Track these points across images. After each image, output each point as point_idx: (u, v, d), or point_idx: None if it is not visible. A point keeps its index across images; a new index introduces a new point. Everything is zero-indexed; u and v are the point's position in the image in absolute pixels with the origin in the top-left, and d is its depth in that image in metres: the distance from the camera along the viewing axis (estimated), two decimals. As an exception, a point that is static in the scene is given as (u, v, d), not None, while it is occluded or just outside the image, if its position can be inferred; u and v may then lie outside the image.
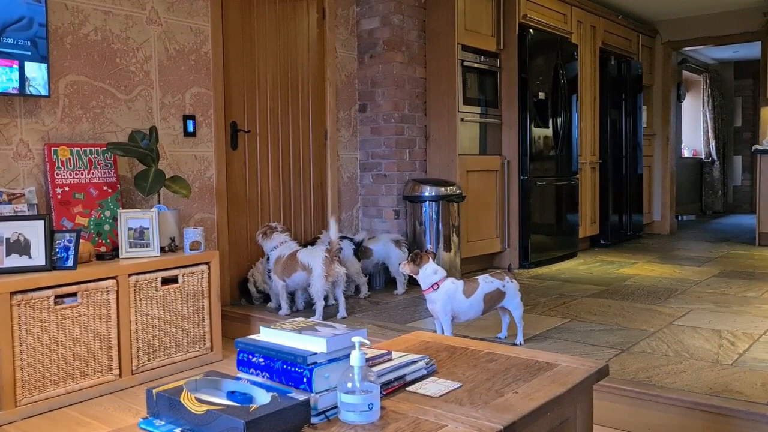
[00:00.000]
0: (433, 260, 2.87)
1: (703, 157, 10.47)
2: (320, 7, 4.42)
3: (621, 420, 2.34)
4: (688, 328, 3.22)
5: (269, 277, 3.65)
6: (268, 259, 3.64)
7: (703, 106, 10.27)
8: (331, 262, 3.39)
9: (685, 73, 9.72)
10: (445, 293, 2.81)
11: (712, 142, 10.35)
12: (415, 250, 2.92)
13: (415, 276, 2.86)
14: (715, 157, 10.44)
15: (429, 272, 2.81)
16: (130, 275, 2.81)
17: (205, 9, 3.66)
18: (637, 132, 6.97)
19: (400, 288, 4.14)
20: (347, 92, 4.62)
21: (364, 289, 4.03)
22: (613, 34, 6.62)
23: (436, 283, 2.81)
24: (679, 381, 2.44)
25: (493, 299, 2.90)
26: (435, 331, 2.93)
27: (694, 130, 10.46)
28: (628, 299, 3.91)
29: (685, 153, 10.24)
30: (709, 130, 10.31)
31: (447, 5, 4.63)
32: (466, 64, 4.75)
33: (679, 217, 9.06)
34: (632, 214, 6.92)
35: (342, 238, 3.97)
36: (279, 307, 3.61)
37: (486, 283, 2.88)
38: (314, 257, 3.42)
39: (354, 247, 3.94)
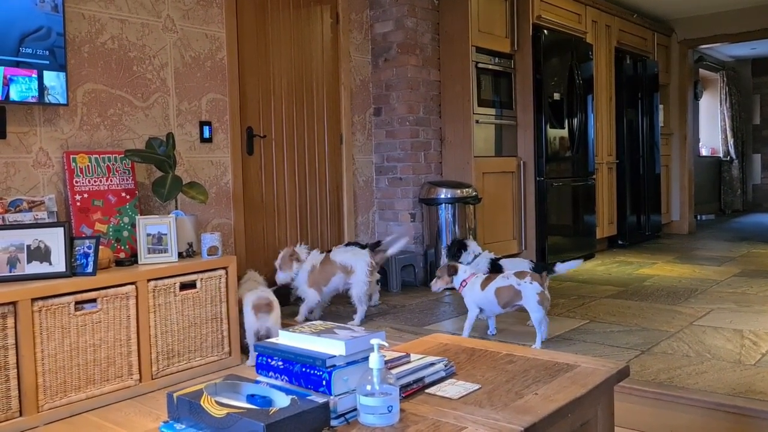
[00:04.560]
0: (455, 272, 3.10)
1: (721, 155, 10.36)
2: (334, 12, 4.44)
3: (642, 421, 2.32)
4: (709, 328, 3.19)
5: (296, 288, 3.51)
6: (291, 281, 3.51)
7: (721, 104, 10.16)
8: (374, 268, 3.41)
9: (701, 71, 9.62)
10: (470, 287, 3.07)
11: (731, 141, 10.24)
12: (441, 266, 3.18)
13: (451, 286, 3.14)
14: (734, 156, 10.32)
15: (460, 277, 3.09)
16: (148, 281, 2.83)
17: (220, 16, 3.68)
18: (654, 131, 6.91)
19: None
20: (362, 96, 4.63)
21: (375, 297, 3.91)
22: (628, 33, 6.58)
23: (464, 280, 3.07)
24: (701, 382, 2.41)
25: (506, 296, 2.97)
26: (454, 333, 2.92)
27: (712, 129, 10.36)
28: (648, 300, 3.87)
29: (703, 152, 10.14)
30: (727, 129, 10.21)
31: (460, 7, 4.63)
32: (480, 65, 4.74)
33: (698, 217, 8.96)
34: (650, 214, 6.86)
35: (350, 244, 3.93)
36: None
37: (502, 278, 3.00)
38: (357, 260, 3.37)
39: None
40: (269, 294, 3.15)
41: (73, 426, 2.50)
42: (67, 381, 2.57)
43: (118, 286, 2.73)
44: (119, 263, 2.96)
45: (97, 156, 3.08)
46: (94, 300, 2.65)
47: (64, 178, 3.01)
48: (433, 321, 3.53)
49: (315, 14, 4.32)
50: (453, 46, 4.69)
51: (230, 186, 3.75)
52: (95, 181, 3.05)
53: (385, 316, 3.66)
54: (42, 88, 2.84)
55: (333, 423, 1.28)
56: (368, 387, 1.27)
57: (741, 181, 10.51)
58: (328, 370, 1.31)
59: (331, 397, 1.30)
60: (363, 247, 3.89)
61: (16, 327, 2.43)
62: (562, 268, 3.23)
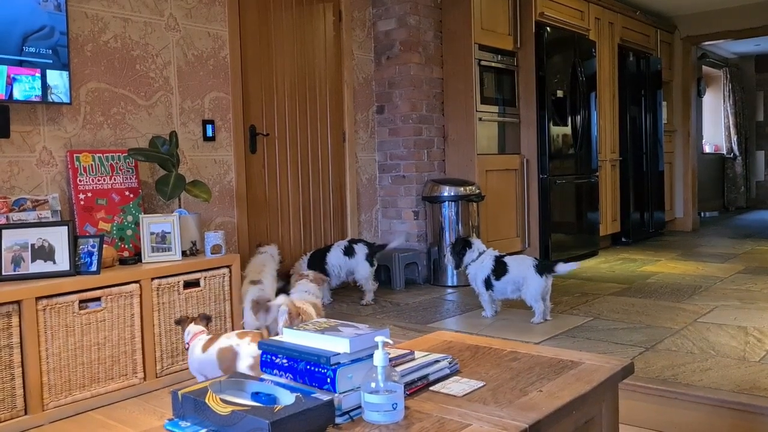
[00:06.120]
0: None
1: (724, 152, 10.34)
2: (336, 10, 4.44)
3: (647, 419, 2.32)
4: (714, 325, 3.18)
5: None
6: None
7: (724, 101, 10.14)
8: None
9: (705, 68, 9.60)
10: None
11: (734, 137, 10.22)
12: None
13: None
14: (737, 153, 10.30)
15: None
16: (152, 279, 2.84)
17: (223, 14, 3.68)
18: (658, 128, 6.90)
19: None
20: (364, 94, 4.62)
21: (369, 296, 3.90)
22: (631, 30, 6.56)
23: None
24: (705, 379, 2.41)
25: (227, 358, 2.26)
26: (458, 331, 2.91)
27: (715, 126, 10.33)
28: (652, 297, 3.87)
29: (707, 149, 10.12)
30: (731, 125, 10.18)
31: (463, 5, 4.62)
32: (483, 63, 4.73)
33: (702, 214, 8.95)
34: (654, 212, 6.85)
35: (355, 241, 3.96)
36: None
37: (225, 339, 2.30)
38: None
39: (367, 251, 3.90)
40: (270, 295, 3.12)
41: (78, 424, 2.51)
42: (71, 379, 2.58)
43: (122, 285, 2.74)
44: (123, 262, 2.96)
45: (101, 155, 3.08)
46: (98, 299, 2.66)
47: (68, 177, 3.01)
48: (437, 318, 3.53)
49: (318, 12, 4.32)
50: (456, 44, 4.68)
51: (233, 184, 3.75)
52: (99, 180, 3.06)
53: (389, 313, 3.66)
54: (45, 87, 2.84)
55: (337, 420, 1.28)
56: (373, 384, 1.27)
57: (744, 178, 10.49)
58: (333, 367, 1.31)
59: (336, 395, 1.30)
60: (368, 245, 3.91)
61: (20, 326, 2.43)
62: (562, 268, 3.33)
